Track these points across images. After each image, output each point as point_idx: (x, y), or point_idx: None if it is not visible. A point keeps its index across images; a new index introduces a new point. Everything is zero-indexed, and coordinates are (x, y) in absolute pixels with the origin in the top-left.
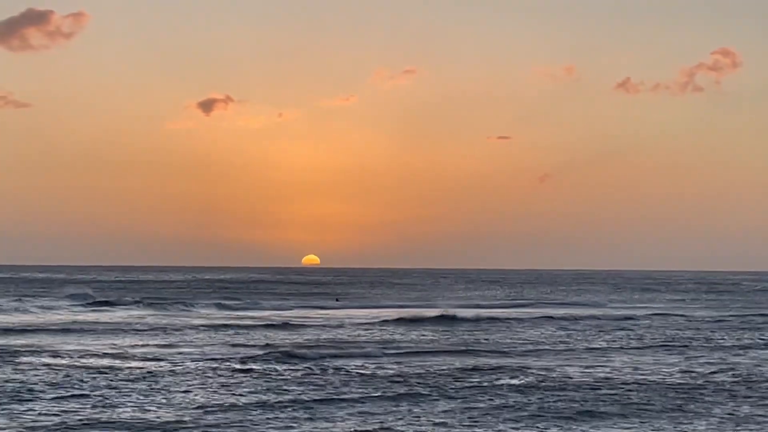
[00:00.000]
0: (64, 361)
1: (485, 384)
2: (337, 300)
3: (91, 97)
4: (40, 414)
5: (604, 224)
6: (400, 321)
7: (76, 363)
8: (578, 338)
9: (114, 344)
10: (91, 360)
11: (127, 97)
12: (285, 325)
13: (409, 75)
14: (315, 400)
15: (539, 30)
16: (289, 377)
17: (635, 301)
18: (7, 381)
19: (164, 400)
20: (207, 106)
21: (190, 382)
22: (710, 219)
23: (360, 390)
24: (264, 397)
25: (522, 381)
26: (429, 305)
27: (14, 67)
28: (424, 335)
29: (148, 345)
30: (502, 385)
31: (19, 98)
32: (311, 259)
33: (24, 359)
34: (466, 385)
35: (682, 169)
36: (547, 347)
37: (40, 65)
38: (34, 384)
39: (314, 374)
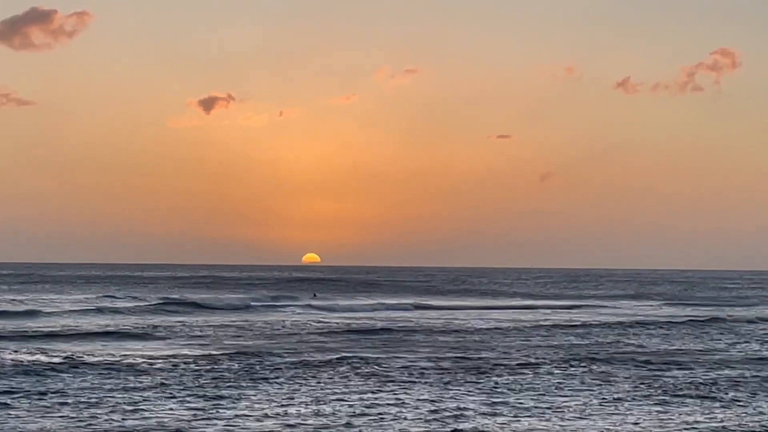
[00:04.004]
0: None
1: None
2: (315, 296)
3: (93, 95)
4: None
5: (604, 223)
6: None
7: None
8: None
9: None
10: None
11: (129, 95)
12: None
13: (410, 74)
14: None
15: (540, 30)
16: None
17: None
18: None
19: None
20: (208, 104)
21: None
22: (709, 218)
23: None
24: None
25: None
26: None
27: (17, 66)
28: None
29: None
30: None
31: (22, 96)
32: (311, 258)
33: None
34: None
35: (681, 168)
36: None
37: (43, 64)
38: None
39: None
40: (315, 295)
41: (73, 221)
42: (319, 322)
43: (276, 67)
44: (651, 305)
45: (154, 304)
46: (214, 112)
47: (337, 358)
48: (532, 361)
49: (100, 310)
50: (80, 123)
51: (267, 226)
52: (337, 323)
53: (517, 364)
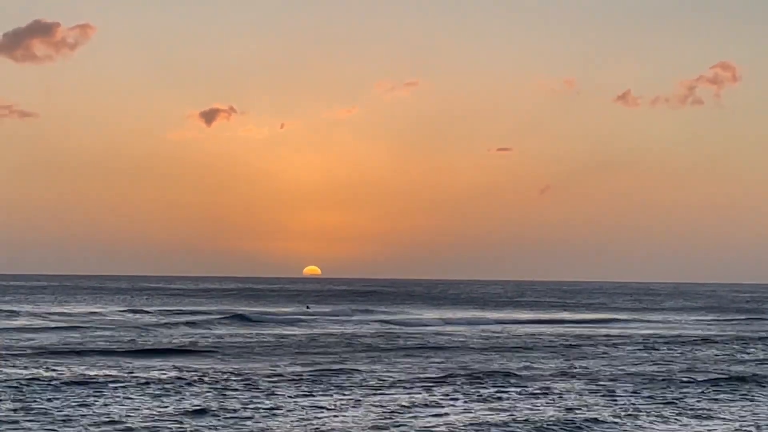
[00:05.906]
0: None
1: None
2: (308, 308)
3: (95, 107)
4: None
5: (604, 236)
6: None
7: None
8: None
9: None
10: None
11: (131, 107)
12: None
13: (410, 87)
14: None
15: (540, 43)
16: None
17: None
18: None
19: None
20: (209, 116)
21: None
22: (709, 230)
23: None
24: None
25: None
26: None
27: (20, 78)
28: None
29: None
30: None
31: (25, 108)
32: (312, 270)
33: None
34: None
35: (681, 181)
36: None
37: (46, 76)
38: None
39: None
40: (308, 307)
41: (74, 233)
42: (417, 336)
43: (277, 80)
44: (723, 319)
45: (215, 319)
46: (216, 124)
47: (491, 371)
48: (714, 376)
49: (147, 326)
50: (82, 135)
51: (268, 238)
52: (442, 337)
53: (704, 380)
